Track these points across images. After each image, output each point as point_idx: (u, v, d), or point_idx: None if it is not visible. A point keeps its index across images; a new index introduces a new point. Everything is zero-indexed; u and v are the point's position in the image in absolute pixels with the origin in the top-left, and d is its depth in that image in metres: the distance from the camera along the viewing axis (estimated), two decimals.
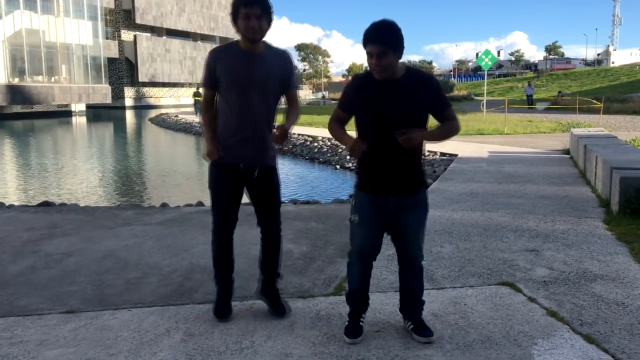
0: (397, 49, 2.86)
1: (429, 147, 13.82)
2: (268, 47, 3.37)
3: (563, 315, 3.51)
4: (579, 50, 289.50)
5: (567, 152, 12.22)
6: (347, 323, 3.24)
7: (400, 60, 2.93)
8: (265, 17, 3.22)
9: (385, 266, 4.44)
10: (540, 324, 3.38)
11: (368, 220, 3.10)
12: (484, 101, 25.82)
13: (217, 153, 3.35)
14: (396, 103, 2.93)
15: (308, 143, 18.03)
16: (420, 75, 3.05)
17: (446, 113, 3.07)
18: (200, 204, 7.82)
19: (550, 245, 5.09)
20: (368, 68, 2.96)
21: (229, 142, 3.35)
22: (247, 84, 3.27)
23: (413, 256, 3.21)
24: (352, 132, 3.11)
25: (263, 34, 3.27)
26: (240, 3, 3.21)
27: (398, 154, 2.95)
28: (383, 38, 2.84)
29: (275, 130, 3.34)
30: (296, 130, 21.14)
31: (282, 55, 3.42)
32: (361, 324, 3.23)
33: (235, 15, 3.23)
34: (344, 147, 2.93)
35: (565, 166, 10.29)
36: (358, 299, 3.26)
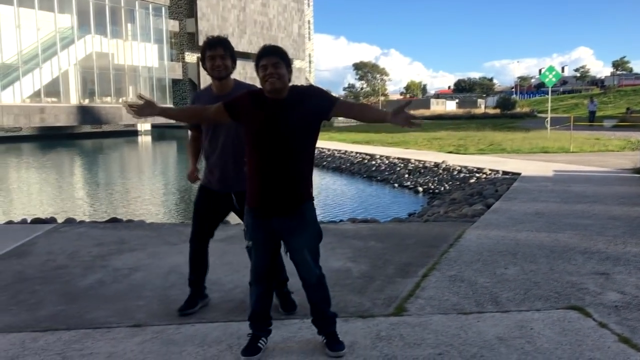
0: (289, 63, 3.10)
1: (490, 165, 13.54)
2: (237, 83, 3.84)
3: (636, 342, 3.35)
4: None
5: (637, 171, 11.70)
6: (246, 342, 3.26)
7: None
8: (228, 56, 3.70)
9: (447, 287, 4.37)
10: (612, 351, 3.23)
11: (258, 244, 3.22)
12: (548, 118, 25.11)
13: (191, 176, 4.06)
14: (287, 119, 3.05)
15: (365, 161, 18.01)
16: (301, 89, 3.22)
17: (339, 102, 3.20)
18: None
19: (622, 268, 4.87)
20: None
21: (207, 172, 3.90)
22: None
23: (304, 276, 3.26)
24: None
25: (228, 71, 3.74)
26: (205, 47, 3.69)
27: (280, 170, 3.07)
28: (277, 50, 3.10)
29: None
30: (354, 148, 21.19)
31: (249, 89, 3.78)
32: (260, 345, 3.23)
33: (203, 58, 3.70)
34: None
35: (636, 186, 9.85)
36: (258, 320, 3.29)
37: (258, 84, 3.24)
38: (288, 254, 3.25)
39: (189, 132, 4.06)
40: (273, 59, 3.04)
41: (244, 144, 3.70)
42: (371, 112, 3.38)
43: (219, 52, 3.67)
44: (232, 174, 3.79)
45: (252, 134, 3.11)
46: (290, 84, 3.14)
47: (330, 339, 3.26)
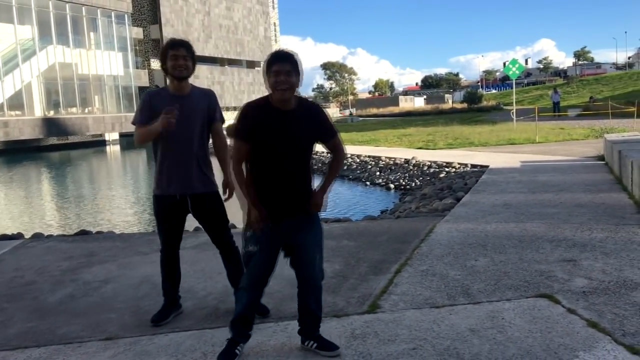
0: (299, 72, 3.03)
1: (459, 159, 13.71)
2: (194, 87, 3.87)
3: (604, 326, 3.43)
4: (608, 55, 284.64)
5: (601, 158, 11.97)
6: (223, 347, 3.22)
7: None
8: (190, 58, 3.73)
9: (419, 282, 4.42)
10: (581, 336, 3.31)
11: (264, 249, 3.14)
12: (514, 110, 25.52)
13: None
14: (292, 131, 3.05)
15: None
16: (308, 105, 3.21)
17: (334, 141, 3.26)
18: (232, 226, 7.87)
19: (588, 254, 4.98)
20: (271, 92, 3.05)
21: (163, 178, 3.81)
22: (179, 123, 3.62)
23: (311, 275, 3.23)
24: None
25: (189, 72, 3.74)
26: (167, 47, 3.70)
27: (291, 177, 3.09)
28: (290, 57, 3.02)
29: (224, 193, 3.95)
30: (324, 148, 21.22)
31: (207, 94, 3.93)
32: (237, 351, 3.18)
33: (164, 58, 3.70)
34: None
35: (600, 173, 10.08)
36: (242, 325, 3.23)
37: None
38: (290, 258, 3.22)
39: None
40: (286, 66, 2.97)
41: (204, 143, 3.85)
42: (335, 170, 3.38)
43: (181, 52, 3.69)
44: (191, 176, 3.78)
45: (262, 145, 3.04)
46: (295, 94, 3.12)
47: (322, 341, 3.25)
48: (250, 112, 3.08)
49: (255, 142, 3.05)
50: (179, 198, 3.80)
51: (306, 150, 3.16)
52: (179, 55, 3.68)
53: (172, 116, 3.55)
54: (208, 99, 3.91)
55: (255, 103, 3.12)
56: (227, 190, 3.93)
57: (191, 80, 3.89)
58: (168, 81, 3.81)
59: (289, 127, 3.04)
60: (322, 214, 3.46)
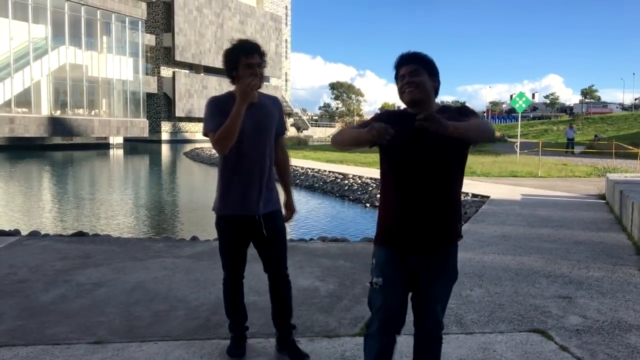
0: (434, 72, 2.61)
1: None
2: (261, 94, 3.30)
3: None
4: (615, 95, 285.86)
5: (602, 197, 11.96)
6: None
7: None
8: (263, 64, 3.17)
9: None
10: None
11: (391, 283, 2.59)
12: (518, 143, 25.59)
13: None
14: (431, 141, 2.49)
15: (339, 180, 18.07)
16: (454, 109, 2.67)
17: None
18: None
19: (584, 292, 4.96)
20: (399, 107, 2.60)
21: (235, 195, 3.26)
22: (253, 132, 3.19)
23: (427, 328, 2.69)
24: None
25: (262, 81, 3.19)
26: (238, 51, 3.11)
27: (430, 199, 2.54)
28: (414, 57, 2.60)
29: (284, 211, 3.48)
30: (327, 167, 21.28)
31: (275, 100, 3.42)
32: None
33: (233, 64, 3.13)
34: (364, 138, 2.43)
35: (601, 211, 10.07)
36: None
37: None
38: (415, 301, 2.67)
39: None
40: (410, 67, 2.55)
41: (271, 156, 3.32)
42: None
43: (255, 59, 3.11)
44: (262, 194, 3.29)
45: (392, 158, 2.60)
46: (442, 104, 2.72)
47: None
48: (386, 115, 2.75)
49: (383, 151, 2.64)
50: (258, 219, 3.26)
51: (445, 167, 2.59)
52: (254, 64, 3.10)
53: (253, 84, 3.03)
54: (278, 107, 3.40)
55: (394, 111, 2.80)
56: (288, 211, 3.56)
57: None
58: (234, 87, 3.19)
59: (424, 135, 2.43)
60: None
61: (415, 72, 2.53)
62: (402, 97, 2.58)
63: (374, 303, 2.63)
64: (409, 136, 2.48)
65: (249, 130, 3.15)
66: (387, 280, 2.57)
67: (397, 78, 2.60)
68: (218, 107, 3.15)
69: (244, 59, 3.07)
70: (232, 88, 3.18)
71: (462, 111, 2.60)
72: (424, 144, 2.49)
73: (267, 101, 3.33)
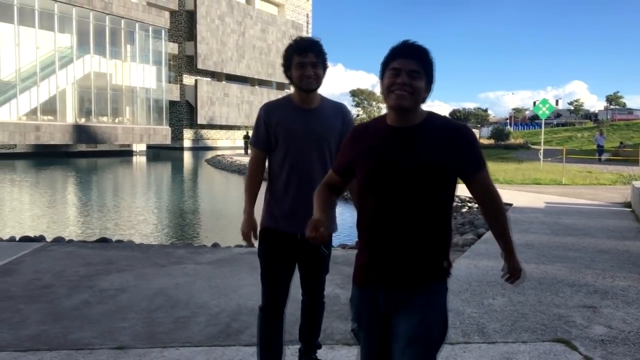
0: (431, 80, 2.13)
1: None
2: (324, 99, 3.06)
3: None
4: None
5: (628, 205, 11.76)
6: None
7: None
8: (320, 63, 2.91)
9: None
10: None
11: (367, 328, 2.28)
12: (542, 150, 25.30)
13: (251, 237, 3.08)
14: (413, 156, 2.10)
15: None
16: (442, 122, 2.18)
17: (481, 176, 2.26)
18: (250, 244, 7.89)
19: (609, 302, 4.87)
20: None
21: (284, 209, 3.00)
22: (304, 140, 2.95)
23: None
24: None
25: (319, 82, 2.93)
26: (293, 51, 2.89)
27: (409, 224, 2.14)
28: (419, 53, 2.10)
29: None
30: None
31: (340, 108, 3.11)
32: None
33: (288, 64, 2.92)
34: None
35: (626, 220, 9.90)
36: None
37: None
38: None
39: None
40: (410, 64, 2.05)
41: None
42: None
43: (310, 58, 2.87)
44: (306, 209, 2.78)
45: (365, 175, 2.20)
46: (429, 111, 2.20)
47: None
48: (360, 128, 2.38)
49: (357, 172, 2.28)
50: (299, 237, 2.92)
51: (429, 189, 2.21)
52: (307, 63, 2.87)
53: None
54: (342, 114, 3.08)
55: (366, 123, 2.36)
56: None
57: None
58: (292, 89, 3.02)
59: (406, 148, 2.15)
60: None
61: (416, 74, 2.05)
62: (387, 96, 2.09)
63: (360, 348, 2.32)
64: (386, 152, 2.12)
65: (299, 137, 2.94)
66: (362, 324, 2.29)
67: (387, 68, 2.09)
68: (263, 118, 2.98)
69: (297, 58, 2.88)
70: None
71: (457, 139, 2.15)
72: (408, 162, 2.11)
73: (328, 108, 3.05)
